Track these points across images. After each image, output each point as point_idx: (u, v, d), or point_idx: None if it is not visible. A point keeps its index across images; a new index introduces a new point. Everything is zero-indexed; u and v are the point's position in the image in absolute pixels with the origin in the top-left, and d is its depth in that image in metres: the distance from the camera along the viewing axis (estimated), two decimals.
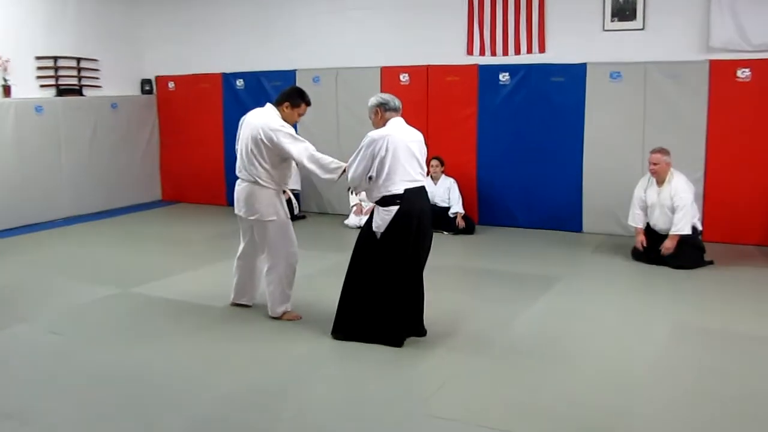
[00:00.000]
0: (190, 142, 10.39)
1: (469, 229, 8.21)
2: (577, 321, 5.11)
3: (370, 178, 4.45)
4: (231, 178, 9.85)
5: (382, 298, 4.50)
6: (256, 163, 4.84)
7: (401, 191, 4.41)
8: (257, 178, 4.86)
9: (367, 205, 8.79)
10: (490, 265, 6.75)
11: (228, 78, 9.98)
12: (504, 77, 8.29)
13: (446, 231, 8.23)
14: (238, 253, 5.30)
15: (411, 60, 8.74)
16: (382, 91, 8.79)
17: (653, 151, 6.52)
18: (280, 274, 4.98)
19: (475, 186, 8.65)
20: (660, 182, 6.49)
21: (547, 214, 8.34)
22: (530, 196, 8.40)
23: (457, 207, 8.23)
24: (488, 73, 8.37)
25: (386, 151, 4.37)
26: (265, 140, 4.79)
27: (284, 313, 5.08)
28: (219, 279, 6.23)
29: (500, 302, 5.54)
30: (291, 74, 9.54)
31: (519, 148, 8.35)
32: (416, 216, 4.44)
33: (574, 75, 7.92)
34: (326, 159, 4.77)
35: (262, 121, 4.84)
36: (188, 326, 5.04)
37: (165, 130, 10.60)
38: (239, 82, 9.87)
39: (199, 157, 10.34)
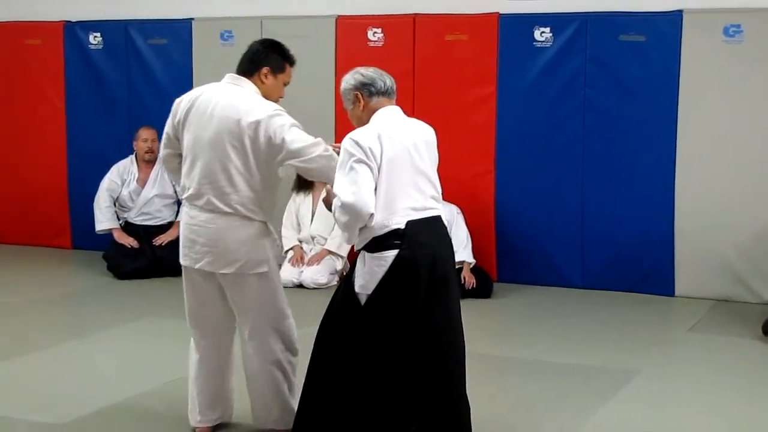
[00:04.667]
0: (7, 141, 10.51)
1: (483, 290, 8.30)
2: None
3: None
4: (81, 205, 10.06)
5: (370, 409, 4.45)
6: (240, 180, 4.82)
7: (402, 225, 4.42)
8: (237, 206, 4.84)
9: (312, 250, 8.88)
10: (522, 351, 6.88)
11: (74, 30, 10.10)
12: (543, 34, 8.49)
13: None
14: (195, 345, 5.17)
15: (387, 5, 8.93)
16: (337, 57, 9.05)
17: None
18: (275, 362, 4.96)
19: (493, 220, 8.81)
20: None
21: (616, 267, 8.52)
22: (586, 238, 8.59)
23: (463, 254, 8.30)
24: (516, 26, 8.55)
25: (379, 161, 4.38)
26: (255, 138, 4.76)
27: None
28: (59, 374, 6.23)
29: (544, 412, 5.65)
30: (184, 26, 9.59)
31: (567, 157, 8.54)
32: (427, 268, 4.42)
33: (656, 30, 8.14)
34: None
35: (244, 104, 4.84)
36: None
37: None
38: (94, 38, 10.00)
39: (24, 169, 10.43)
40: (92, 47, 9.98)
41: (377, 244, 4.41)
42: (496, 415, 5.54)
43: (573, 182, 8.51)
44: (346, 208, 4.33)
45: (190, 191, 4.91)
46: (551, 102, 8.49)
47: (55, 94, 10.17)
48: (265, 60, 4.99)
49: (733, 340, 7.08)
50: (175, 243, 9.25)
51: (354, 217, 4.34)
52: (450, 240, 4.68)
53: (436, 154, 4.73)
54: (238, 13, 9.48)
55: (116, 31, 9.88)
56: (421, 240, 4.42)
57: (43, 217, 10.35)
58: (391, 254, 4.37)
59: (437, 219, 4.57)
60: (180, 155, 5.02)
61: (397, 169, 4.42)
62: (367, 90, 4.59)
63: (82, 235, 10.04)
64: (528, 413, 5.61)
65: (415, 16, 8.83)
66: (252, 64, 4.99)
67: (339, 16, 9.08)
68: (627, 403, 5.77)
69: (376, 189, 4.39)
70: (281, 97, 5.08)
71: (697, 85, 8.05)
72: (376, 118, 4.55)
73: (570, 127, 8.45)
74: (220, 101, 4.86)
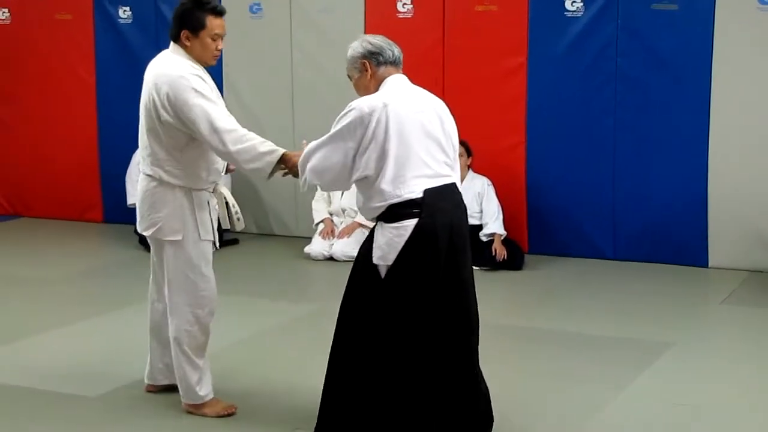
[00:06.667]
0: (38, 117, 10.52)
1: (514, 262, 8.30)
2: (696, 413, 5.23)
3: (365, 178, 4.42)
4: (112, 179, 10.09)
5: (396, 384, 4.43)
6: (154, 143, 4.89)
7: (419, 194, 4.40)
8: (158, 169, 4.91)
9: (343, 223, 8.87)
10: (554, 323, 6.88)
11: (103, 4, 10.11)
12: (574, 4, 8.40)
13: (476, 265, 8.22)
14: (150, 303, 5.29)
15: None
16: (366, 29, 8.97)
17: None
18: (180, 333, 5.00)
19: (524, 192, 8.79)
20: None
21: (648, 238, 8.48)
22: (618, 210, 8.55)
23: (494, 226, 8.33)
24: None
25: (385, 131, 4.35)
26: (158, 99, 4.79)
27: (204, 402, 5.09)
28: (92, 347, 6.33)
29: (578, 383, 5.65)
30: None
31: (599, 128, 8.48)
32: (446, 235, 4.42)
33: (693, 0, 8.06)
34: (250, 136, 4.78)
35: (160, 68, 4.89)
36: None
37: None
38: (123, 12, 10.01)
39: (55, 144, 10.48)
40: (122, 21, 9.98)
41: (394, 213, 4.39)
42: (528, 387, 5.56)
43: (605, 153, 8.44)
44: (309, 173, 4.54)
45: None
46: (582, 72, 8.43)
47: (85, 69, 10.19)
48: (182, 23, 4.91)
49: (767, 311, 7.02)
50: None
51: (309, 183, 4.58)
52: (465, 207, 4.67)
53: (453, 122, 4.66)
54: None
55: (146, 4, 9.86)
56: (439, 208, 4.41)
57: (74, 192, 10.42)
58: (411, 223, 4.35)
59: (452, 186, 4.55)
60: None
61: (406, 138, 4.38)
62: (375, 59, 4.54)
63: (114, 208, 10.08)
64: (559, 385, 5.61)
65: None
66: (172, 30, 4.95)
67: None
68: (660, 375, 5.75)
69: (380, 160, 4.36)
70: (219, 50, 4.96)
71: (730, 54, 7.94)
72: (385, 86, 4.52)
73: (602, 97, 8.37)
74: (150, 68, 4.95)
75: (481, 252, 8.24)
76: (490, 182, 8.43)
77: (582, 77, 8.43)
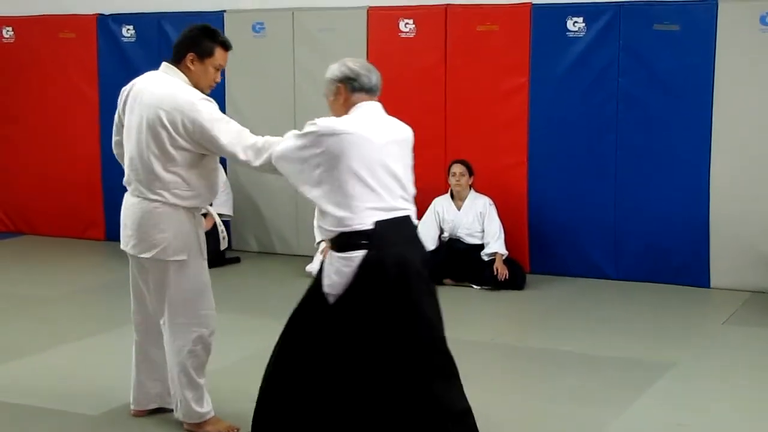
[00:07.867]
0: (41, 134, 10.56)
1: (515, 282, 8.29)
2: None
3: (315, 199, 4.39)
4: (115, 197, 9.96)
5: (332, 409, 4.40)
6: (159, 167, 4.84)
7: (370, 226, 4.34)
8: (162, 192, 4.87)
9: None
10: (555, 343, 6.86)
11: (107, 23, 10.20)
12: (576, 24, 8.45)
13: (477, 284, 8.29)
14: (134, 326, 5.30)
15: None
16: (368, 48, 9.01)
17: None
18: (182, 354, 5.00)
19: (526, 211, 8.79)
20: None
21: (650, 258, 8.48)
22: (620, 229, 8.55)
23: (495, 245, 8.33)
24: (549, 16, 8.55)
25: (338, 159, 4.30)
26: (171, 126, 4.76)
27: (205, 420, 5.09)
28: (94, 365, 6.35)
29: (579, 403, 5.64)
30: (216, 19, 9.53)
31: (600, 148, 8.50)
32: (395, 269, 4.34)
33: (691, 19, 8.07)
34: (267, 145, 4.74)
35: (165, 92, 4.84)
36: None
37: None
38: (127, 31, 10.07)
39: (58, 162, 10.52)
40: (125, 40, 10.04)
41: (343, 243, 4.35)
42: (528, 407, 5.55)
43: (606, 173, 8.45)
44: (274, 157, 4.53)
45: (125, 177, 5.02)
46: (584, 92, 8.45)
47: (88, 87, 10.23)
48: (190, 46, 4.93)
49: None
50: (206, 234, 9.33)
51: (266, 162, 4.59)
52: (420, 240, 4.60)
53: (411, 155, 4.60)
54: (270, 5, 9.51)
55: (149, 24, 9.93)
56: (389, 241, 4.34)
57: (76, 209, 10.45)
58: (358, 255, 4.32)
59: (406, 219, 4.48)
60: None
61: (363, 168, 4.32)
62: (350, 84, 4.50)
63: (116, 227, 9.96)
64: (560, 405, 5.61)
65: (446, 7, 8.79)
66: (178, 51, 4.96)
67: (370, 7, 9.06)
68: (662, 396, 5.74)
69: (331, 185, 4.32)
70: (216, 82, 5.00)
71: (732, 75, 7.97)
72: (352, 113, 4.48)
73: (603, 117, 8.40)
74: (147, 89, 4.91)
75: (482, 272, 8.25)
76: (491, 202, 8.44)
77: (583, 97, 8.46)
